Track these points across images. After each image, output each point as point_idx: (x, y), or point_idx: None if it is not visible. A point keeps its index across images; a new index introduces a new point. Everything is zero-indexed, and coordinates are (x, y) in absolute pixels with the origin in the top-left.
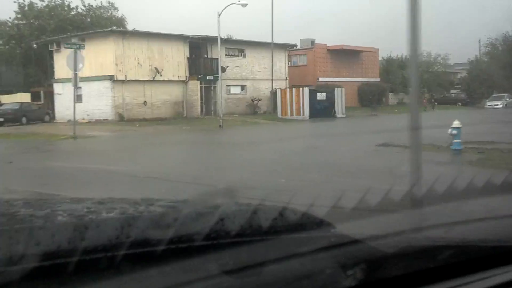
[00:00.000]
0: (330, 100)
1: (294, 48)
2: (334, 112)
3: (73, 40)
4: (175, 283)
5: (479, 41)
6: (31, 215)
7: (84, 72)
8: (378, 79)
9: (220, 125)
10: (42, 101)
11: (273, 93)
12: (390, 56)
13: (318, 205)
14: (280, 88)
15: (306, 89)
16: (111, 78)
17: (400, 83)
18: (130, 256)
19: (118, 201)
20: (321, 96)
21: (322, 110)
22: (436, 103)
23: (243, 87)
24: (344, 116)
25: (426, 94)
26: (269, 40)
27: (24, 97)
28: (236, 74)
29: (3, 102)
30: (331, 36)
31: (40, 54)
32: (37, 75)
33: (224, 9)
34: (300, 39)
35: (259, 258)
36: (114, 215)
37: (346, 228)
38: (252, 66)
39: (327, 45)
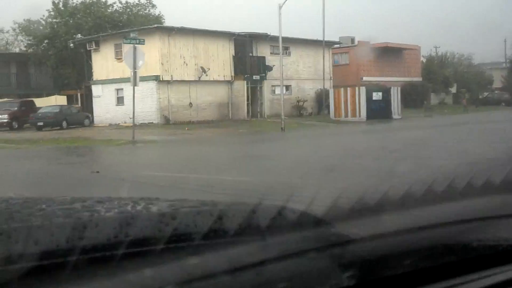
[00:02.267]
0: (386, 100)
1: (337, 46)
2: (391, 113)
3: (132, 35)
4: (173, 283)
5: (505, 41)
6: (30, 214)
7: (126, 72)
8: (420, 79)
9: (282, 128)
10: (79, 104)
11: (318, 94)
12: (430, 54)
13: (317, 205)
14: (334, 88)
15: (363, 88)
16: (156, 78)
17: (441, 83)
18: (128, 255)
19: (117, 200)
20: (377, 96)
21: (378, 111)
22: (476, 104)
23: (287, 87)
24: (400, 117)
25: (466, 94)
26: (311, 38)
27: (59, 100)
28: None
29: (37, 105)
30: (366, 33)
31: (75, 54)
32: (72, 76)
33: (285, 1)
34: (339, 37)
35: (258, 258)
36: (113, 214)
37: (344, 227)
38: (297, 65)
39: (371, 43)
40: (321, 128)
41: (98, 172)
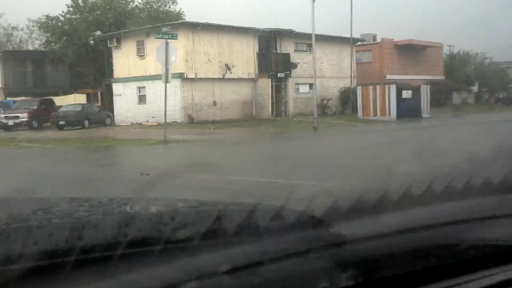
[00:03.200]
0: (416, 98)
1: (360, 43)
2: (420, 111)
3: (164, 29)
4: (172, 283)
5: None
6: (29, 214)
7: (149, 70)
8: (442, 77)
9: (314, 127)
10: (100, 103)
11: (342, 92)
12: (452, 52)
13: (316, 205)
14: (362, 86)
15: (393, 86)
16: (180, 76)
17: (463, 81)
18: (127, 255)
19: (116, 201)
20: (406, 94)
21: (407, 110)
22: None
23: (311, 86)
24: (429, 116)
25: (487, 93)
26: (334, 34)
27: (78, 98)
28: (305, 71)
29: (56, 104)
30: (384, 30)
31: (94, 52)
32: (91, 74)
33: None
34: (361, 34)
35: (257, 258)
36: (112, 214)
37: (343, 227)
38: (320, 62)
39: (394, 40)
40: (355, 128)
41: (148, 174)
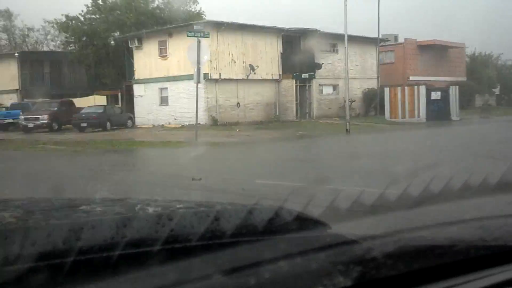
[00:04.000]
0: (445, 100)
1: (384, 44)
2: (449, 114)
3: (196, 28)
4: (170, 284)
5: None
6: (27, 215)
7: (171, 71)
8: (464, 79)
9: (346, 129)
10: (119, 104)
11: (365, 94)
12: (474, 53)
13: (314, 205)
14: (390, 87)
15: (423, 87)
16: (204, 77)
17: (484, 83)
18: (125, 256)
19: (114, 202)
20: (435, 95)
21: (436, 112)
22: None
23: (335, 87)
24: (459, 118)
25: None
26: (355, 34)
27: (98, 100)
28: (328, 72)
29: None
30: (403, 30)
31: (114, 53)
32: (111, 75)
33: None
34: (382, 34)
35: (255, 259)
36: (110, 215)
37: (342, 228)
38: (344, 63)
39: (417, 40)
40: (389, 130)
41: (200, 179)
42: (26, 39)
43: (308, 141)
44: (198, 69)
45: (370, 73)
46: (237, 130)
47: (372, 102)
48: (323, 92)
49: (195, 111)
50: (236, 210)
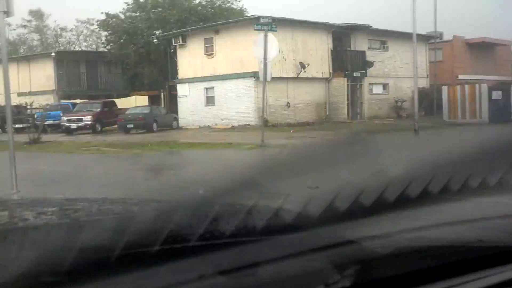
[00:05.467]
0: (506, 99)
1: (433, 41)
2: (510, 114)
3: (263, 20)
4: (169, 284)
5: None
6: (26, 215)
7: (218, 69)
8: (510, 78)
9: (415, 130)
10: (162, 105)
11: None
12: None
13: (313, 205)
14: (448, 86)
15: (484, 86)
16: (254, 75)
17: None
18: (124, 256)
19: (113, 202)
20: (496, 95)
21: (498, 112)
22: None
23: (385, 86)
24: None
25: None
26: (406, 30)
27: (139, 101)
28: (378, 71)
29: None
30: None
31: (155, 51)
32: (152, 75)
33: None
34: (426, 32)
35: (254, 259)
36: (109, 215)
37: (341, 228)
38: (394, 61)
39: (465, 38)
40: (457, 131)
41: (317, 187)
42: (59, 39)
43: (381, 143)
44: (265, 65)
45: (419, 72)
46: (291, 131)
47: (423, 102)
48: (373, 92)
49: (244, 111)
50: (235, 210)
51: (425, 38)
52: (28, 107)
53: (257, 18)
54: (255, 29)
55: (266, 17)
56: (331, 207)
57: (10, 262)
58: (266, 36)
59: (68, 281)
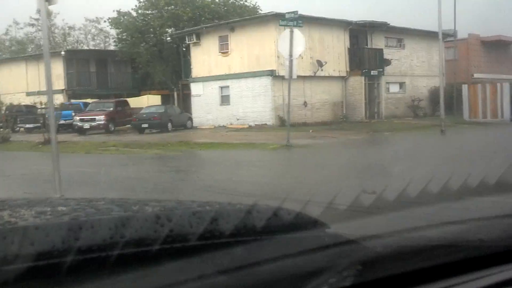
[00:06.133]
0: None
1: (449, 39)
2: None
3: (289, 15)
4: (169, 283)
5: None
6: (26, 215)
7: (233, 68)
8: None
9: (442, 130)
10: (176, 104)
11: (432, 92)
12: None
13: (313, 205)
14: (468, 85)
15: (506, 85)
16: (271, 73)
17: None
18: (124, 256)
19: (113, 202)
20: None
21: None
22: None
23: (401, 85)
24: None
25: None
26: (423, 27)
27: (152, 100)
28: (395, 69)
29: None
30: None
31: (167, 50)
32: (165, 74)
33: None
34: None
35: (254, 258)
36: (109, 215)
37: (341, 228)
38: (411, 59)
39: (480, 36)
40: (484, 131)
41: (374, 192)
42: (67, 38)
43: (410, 142)
44: (291, 62)
45: (435, 70)
46: (310, 131)
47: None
48: (390, 91)
49: (260, 110)
50: (234, 210)
51: (442, 36)
52: (41, 106)
53: (275, 14)
54: (280, 25)
55: (292, 12)
56: (331, 207)
57: (10, 262)
58: (292, 32)
59: (67, 281)
